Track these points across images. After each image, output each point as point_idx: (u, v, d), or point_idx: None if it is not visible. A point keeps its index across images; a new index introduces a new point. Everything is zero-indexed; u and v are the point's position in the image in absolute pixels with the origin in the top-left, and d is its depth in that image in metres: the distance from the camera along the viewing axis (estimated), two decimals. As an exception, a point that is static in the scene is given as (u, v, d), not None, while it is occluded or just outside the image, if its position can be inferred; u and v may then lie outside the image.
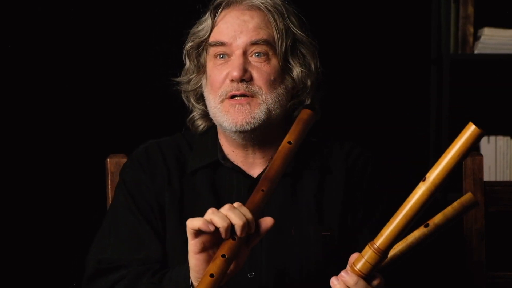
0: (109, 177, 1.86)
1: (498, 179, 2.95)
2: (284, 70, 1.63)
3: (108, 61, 2.89)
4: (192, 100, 1.70)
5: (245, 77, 1.58)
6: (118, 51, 2.88)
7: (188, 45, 1.66)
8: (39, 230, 2.86)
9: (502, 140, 2.97)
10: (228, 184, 1.65)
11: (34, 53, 2.85)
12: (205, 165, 1.66)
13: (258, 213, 1.40)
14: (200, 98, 1.69)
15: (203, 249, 1.38)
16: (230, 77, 1.58)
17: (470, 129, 1.24)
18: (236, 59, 1.59)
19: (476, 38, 2.95)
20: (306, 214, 1.63)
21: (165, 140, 1.72)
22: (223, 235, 1.35)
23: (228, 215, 1.36)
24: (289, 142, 1.49)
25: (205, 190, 1.64)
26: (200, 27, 1.65)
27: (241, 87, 1.58)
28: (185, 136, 1.73)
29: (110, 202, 1.81)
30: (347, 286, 1.36)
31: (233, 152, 1.67)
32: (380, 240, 1.32)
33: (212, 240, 1.38)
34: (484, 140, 2.98)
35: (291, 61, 1.64)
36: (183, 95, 1.72)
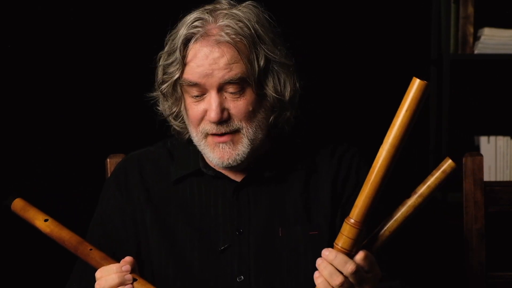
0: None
1: (498, 179, 2.95)
2: (260, 96, 1.60)
3: (108, 61, 2.89)
4: (171, 119, 1.68)
5: (224, 118, 1.56)
6: (118, 51, 2.88)
7: (163, 86, 1.62)
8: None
9: (502, 140, 2.97)
10: (212, 190, 1.65)
11: (34, 53, 2.85)
12: (188, 174, 1.66)
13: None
14: (179, 117, 1.67)
15: None
16: (208, 118, 1.57)
17: (416, 84, 1.28)
18: (212, 100, 1.55)
19: (476, 38, 2.95)
20: (293, 214, 1.63)
21: (146, 151, 1.73)
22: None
23: (109, 282, 1.47)
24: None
25: (190, 197, 1.65)
26: (170, 60, 1.59)
27: (222, 129, 1.57)
28: (166, 145, 1.73)
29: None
30: (329, 263, 1.37)
31: (216, 165, 1.66)
32: (355, 212, 1.35)
33: None
34: (484, 140, 2.98)
35: (264, 85, 1.60)
36: (160, 108, 1.69)
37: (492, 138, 2.98)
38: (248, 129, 1.58)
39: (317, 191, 1.66)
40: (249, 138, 1.59)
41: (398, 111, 1.30)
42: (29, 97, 2.86)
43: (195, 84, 1.56)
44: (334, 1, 3.02)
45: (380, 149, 1.33)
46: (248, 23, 1.57)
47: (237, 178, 1.65)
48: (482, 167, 1.89)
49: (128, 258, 1.48)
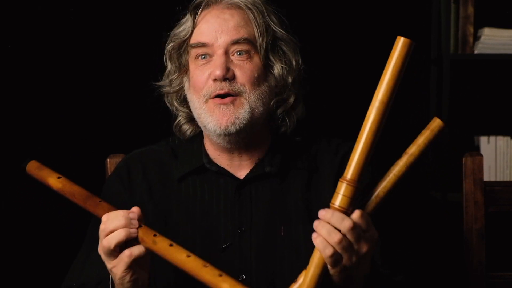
0: (109, 177, 1.86)
1: (498, 179, 2.95)
2: (266, 68, 1.63)
3: (108, 61, 2.89)
4: (175, 103, 1.70)
5: (228, 76, 1.58)
6: (118, 51, 2.89)
7: (169, 46, 1.66)
8: (39, 230, 2.86)
9: (502, 140, 2.97)
10: (215, 188, 1.65)
11: (34, 53, 2.85)
12: (191, 171, 1.66)
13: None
14: (184, 101, 1.69)
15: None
16: (213, 77, 1.58)
17: (400, 42, 1.35)
18: (218, 58, 1.59)
19: (476, 38, 2.95)
20: (295, 214, 1.63)
21: (149, 149, 1.73)
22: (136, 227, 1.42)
23: (115, 223, 1.42)
24: None
25: (192, 195, 1.65)
26: (181, 28, 1.65)
27: (225, 86, 1.58)
28: (170, 143, 1.73)
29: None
30: (327, 222, 1.36)
31: (218, 156, 1.67)
32: (349, 171, 1.37)
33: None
34: (484, 140, 2.98)
35: (271, 58, 1.64)
36: (166, 100, 1.71)
37: (492, 138, 2.98)
38: (250, 94, 1.59)
39: (319, 190, 1.66)
40: (250, 104, 1.59)
41: (384, 70, 1.38)
42: (29, 97, 2.86)
43: (203, 45, 1.60)
44: (335, 1, 3.02)
45: (370, 107, 1.38)
46: (258, 0, 1.65)
47: (240, 175, 1.66)
48: (482, 167, 1.89)
49: (135, 208, 1.45)
